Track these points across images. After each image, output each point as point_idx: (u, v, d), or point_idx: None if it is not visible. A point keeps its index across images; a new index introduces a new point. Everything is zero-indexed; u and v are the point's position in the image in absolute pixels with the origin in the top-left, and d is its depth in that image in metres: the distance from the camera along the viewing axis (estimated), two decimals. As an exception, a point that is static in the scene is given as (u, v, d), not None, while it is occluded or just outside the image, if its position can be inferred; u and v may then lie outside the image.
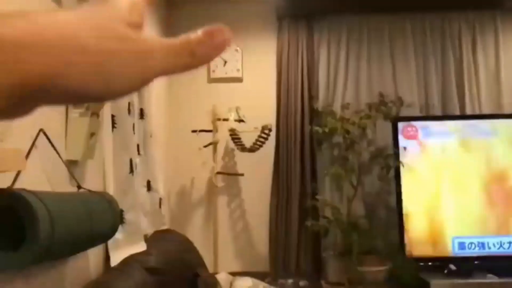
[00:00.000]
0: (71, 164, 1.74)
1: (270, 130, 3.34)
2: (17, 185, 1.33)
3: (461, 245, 3.21)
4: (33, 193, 1.26)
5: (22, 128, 1.42)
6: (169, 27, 3.66)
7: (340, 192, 3.52)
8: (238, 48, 3.68)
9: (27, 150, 1.42)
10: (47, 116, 1.60)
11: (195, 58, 0.31)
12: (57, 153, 1.59)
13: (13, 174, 1.33)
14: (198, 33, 0.32)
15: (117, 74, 0.28)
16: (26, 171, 1.38)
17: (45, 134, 1.52)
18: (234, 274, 2.89)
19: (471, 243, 3.21)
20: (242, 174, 3.55)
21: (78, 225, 1.45)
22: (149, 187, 2.66)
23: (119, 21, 0.29)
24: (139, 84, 0.29)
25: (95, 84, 0.27)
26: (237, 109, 3.38)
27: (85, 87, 0.27)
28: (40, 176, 1.54)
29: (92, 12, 0.28)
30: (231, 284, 2.71)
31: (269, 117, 3.53)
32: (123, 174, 2.22)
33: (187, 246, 2.75)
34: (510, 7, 3.62)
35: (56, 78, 0.26)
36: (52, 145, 1.56)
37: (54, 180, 1.61)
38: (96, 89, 0.27)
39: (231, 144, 3.51)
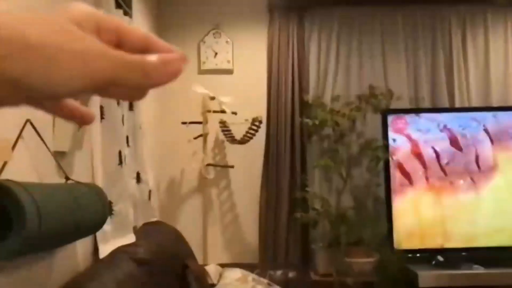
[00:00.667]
0: (58, 155, 1.73)
1: (260, 122, 3.34)
2: (3, 177, 1.32)
3: (449, 237, 3.25)
4: (20, 184, 1.25)
5: (8, 119, 1.41)
6: (159, 17, 3.64)
7: (330, 184, 3.54)
8: (228, 40, 3.66)
9: (13, 141, 1.41)
10: (37, 111, 1.59)
11: (147, 80, 0.31)
12: (45, 144, 1.58)
13: (-1, 165, 1.32)
14: (153, 57, 0.32)
15: (61, 69, 0.28)
16: (12, 162, 1.37)
17: (32, 124, 1.50)
18: (223, 265, 2.90)
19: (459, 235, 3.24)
20: (232, 166, 3.55)
21: (66, 216, 1.44)
22: (138, 179, 2.65)
23: (68, 19, 0.29)
24: (85, 83, 0.29)
25: (37, 76, 0.27)
26: (204, 101, 3.37)
27: (28, 79, 0.27)
28: (27, 168, 1.52)
29: (41, 13, 0.29)
30: (220, 275, 2.72)
31: (260, 109, 3.53)
32: (112, 165, 2.21)
33: (177, 238, 2.75)
34: (500, 1, 3.63)
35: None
36: (40, 136, 1.55)
37: (42, 171, 1.60)
38: (38, 82, 0.27)
39: (221, 136, 3.51)
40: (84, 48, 0.29)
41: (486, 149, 3.31)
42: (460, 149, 3.31)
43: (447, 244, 3.24)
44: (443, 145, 3.31)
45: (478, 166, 3.29)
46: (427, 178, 3.29)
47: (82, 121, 0.36)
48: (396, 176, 3.28)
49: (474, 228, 3.24)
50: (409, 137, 3.33)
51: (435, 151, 3.31)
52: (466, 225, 3.24)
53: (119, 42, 0.32)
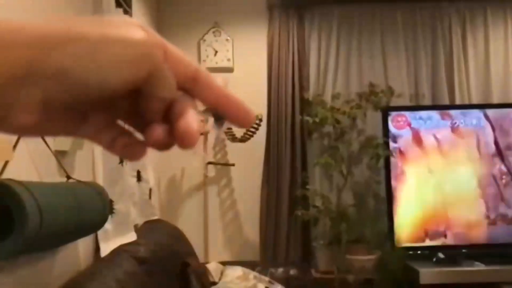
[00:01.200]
0: (59, 154, 1.73)
1: (260, 120, 3.34)
2: (5, 176, 1.32)
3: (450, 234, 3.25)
4: (21, 183, 1.25)
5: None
6: (159, 16, 3.64)
7: (330, 181, 3.54)
8: (228, 38, 3.66)
9: (14, 140, 1.41)
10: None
11: (169, 95, 0.32)
12: (46, 143, 1.59)
13: (0, 164, 1.32)
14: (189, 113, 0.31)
15: (108, 55, 0.28)
16: (14, 162, 1.37)
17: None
18: (224, 263, 2.90)
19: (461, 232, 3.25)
20: (232, 164, 3.55)
21: (67, 215, 1.45)
22: (139, 177, 2.65)
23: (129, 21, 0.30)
24: (132, 71, 0.29)
25: (85, 64, 0.27)
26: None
27: (76, 70, 0.27)
28: (29, 167, 1.53)
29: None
30: (221, 273, 2.73)
31: (260, 107, 3.53)
32: (112, 164, 2.22)
33: (177, 236, 2.76)
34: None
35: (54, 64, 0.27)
36: (40, 135, 1.55)
37: (43, 170, 1.60)
38: (87, 71, 0.27)
39: (222, 134, 3.51)
40: (127, 34, 0.29)
41: (488, 135, 3.31)
42: (460, 144, 3.31)
43: (448, 241, 3.24)
44: (444, 141, 3.32)
45: (480, 153, 3.30)
46: (428, 166, 3.29)
47: (131, 157, 0.34)
48: (397, 163, 3.29)
49: (476, 216, 3.25)
50: (409, 134, 3.33)
51: (435, 147, 3.32)
52: (467, 213, 3.25)
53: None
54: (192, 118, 0.31)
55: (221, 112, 0.33)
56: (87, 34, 0.27)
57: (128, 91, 0.30)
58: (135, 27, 0.29)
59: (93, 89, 0.28)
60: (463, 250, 3.20)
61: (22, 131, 0.29)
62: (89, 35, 0.27)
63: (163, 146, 0.32)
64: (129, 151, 0.33)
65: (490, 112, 3.34)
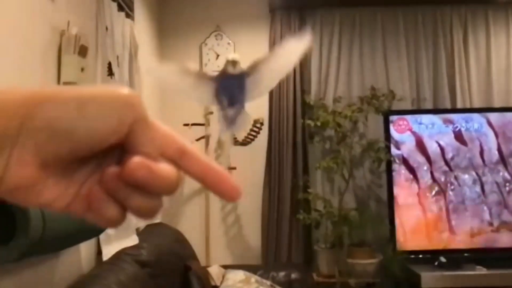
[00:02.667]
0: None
1: (262, 124, 3.35)
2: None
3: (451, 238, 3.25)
4: (24, 187, 1.25)
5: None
6: (161, 20, 3.65)
7: (332, 185, 3.54)
8: (230, 41, 3.67)
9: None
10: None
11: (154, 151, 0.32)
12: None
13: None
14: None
15: (94, 108, 0.29)
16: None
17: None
18: (226, 267, 2.90)
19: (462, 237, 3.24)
20: (234, 168, 3.55)
21: (70, 219, 1.45)
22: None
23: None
24: (115, 122, 0.30)
25: (72, 117, 0.29)
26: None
27: (69, 123, 0.29)
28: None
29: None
30: (223, 277, 2.72)
31: (262, 111, 3.53)
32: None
33: (179, 240, 2.76)
34: (502, 1, 3.64)
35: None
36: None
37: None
38: (72, 122, 0.29)
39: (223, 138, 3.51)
40: (112, 88, 0.30)
41: (491, 143, 3.31)
42: (464, 143, 3.31)
43: (450, 245, 3.24)
44: (445, 145, 3.32)
45: (483, 160, 3.30)
46: (431, 173, 3.29)
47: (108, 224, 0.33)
48: (401, 171, 3.29)
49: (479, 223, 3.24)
50: (410, 138, 3.34)
51: (438, 151, 3.32)
52: (471, 221, 3.25)
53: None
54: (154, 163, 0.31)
55: (207, 185, 0.33)
56: (74, 90, 0.30)
57: (114, 148, 0.30)
58: (121, 87, 0.31)
59: (81, 139, 0.29)
60: (465, 254, 3.20)
61: (21, 190, 0.29)
62: (76, 90, 0.30)
63: (144, 215, 0.32)
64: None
65: (493, 119, 3.33)
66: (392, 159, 3.28)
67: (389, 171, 3.30)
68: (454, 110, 3.51)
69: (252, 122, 3.34)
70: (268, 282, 2.72)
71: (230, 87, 0.82)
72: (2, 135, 0.27)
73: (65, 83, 1.83)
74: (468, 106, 3.57)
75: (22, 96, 0.28)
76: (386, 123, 3.35)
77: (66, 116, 0.28)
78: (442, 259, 3.17)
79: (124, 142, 0.31)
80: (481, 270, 3.07)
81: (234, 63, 0.81)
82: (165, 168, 0.31)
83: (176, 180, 0.32)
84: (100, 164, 0.31)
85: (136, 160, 0.30)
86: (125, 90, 0.30)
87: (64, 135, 0.28)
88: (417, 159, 3.31)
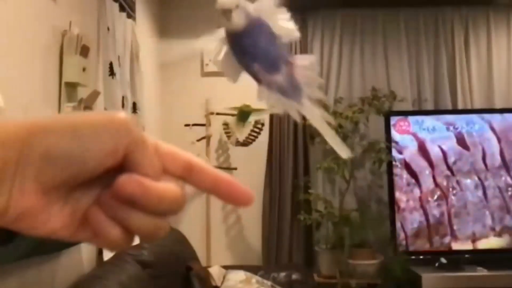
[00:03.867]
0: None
1: (262, 124, 3.35)
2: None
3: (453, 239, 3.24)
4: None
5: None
6: (163, 20, 3.65)
7: (333, 185, 3.54)
8: (231, 42, 3.66)
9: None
10: (40, 111, 1.60)
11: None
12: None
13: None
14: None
15: (88, 134, 0.30)
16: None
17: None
18: (226, 267, 2.90)
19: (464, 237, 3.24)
20: (235, 168, 3.55)
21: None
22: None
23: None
24: (110, 147, 0.30)
25: (67, 142, 0.29)
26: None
27: (65, 147, 0.29)
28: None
29: None
30: (223, 277, 2.72)
31: (262, 111, 3.53)
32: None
33: (180, 240, 2.76)
34: (503, 3, 3.63)
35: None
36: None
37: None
38: (67, 148, 0.29)
39: (224, 138, 3.51)
40: (108, 112, 0.31)
41: (493, 147, 3.30)
42: (467, 148, 3.31)
43: (451, 246, 3.24)
44: (446, 146, 3.31)
45: (485, 165, 3.29)
46: (434, 177, 3.29)
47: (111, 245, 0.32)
48: (403, 175, 3.28)
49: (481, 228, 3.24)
50: (412, 139, 3.33)
51: (439, 152, 3.31)
52: (473, 226, 3.24)
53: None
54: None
55: (220, 196, 0.33)
56: (69, 117, 0.31)
57: (117, 172, 0.30)
58: (116, 111, 0.31)
59: (78, 163, 0.29)
60: (466, 255, 3.20)
61: (26, 219, 0.30)
62: (71, 117, 0.31)
63: (147, 235, 0.32)
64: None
65: (496, 124, 3.32)
66: (393, 160, 3.28)
67: (390, 172, 3.30)
68: (455, 111, 3.51)
69: (253, 123, 3.34)
70: (269, 283, 2.72)
71: (250, 47, 0.56)
72: (2, 167, 0.28)
73: (67, 83, 1.83)
74: (469, 107, 3.57)
75: (18, 127, 0.29)
76: (387, 124, 3.35)
77: (62, 143, 0.29)
78: (443, 260, 3.17)
79: (124, 166, 0.31)
80: (482, 271, 3.06)
81: (225, 12, 0.54)
82: (162, 185, 0.31)
83: (176, 197, 0.32)
84: (105, 189, 0.31)
85: (124, 176, 0.30)
86: (119, 114, 0.31)
87: (61, 160, 0.29)
88: (419, 163, 3.30)
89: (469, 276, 3.04)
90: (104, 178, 0.31)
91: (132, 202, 0.30)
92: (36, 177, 0.29)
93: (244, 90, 3.63)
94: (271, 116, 3.55)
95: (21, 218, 0.29)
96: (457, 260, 3.17)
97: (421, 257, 3.23)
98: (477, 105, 3.59)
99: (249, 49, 0.57)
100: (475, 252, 3.21)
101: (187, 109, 3.57)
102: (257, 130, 3.34)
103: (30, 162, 0.28)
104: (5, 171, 0.28)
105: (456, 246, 3.24)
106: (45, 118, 0.30)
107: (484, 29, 3.68)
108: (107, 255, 2.00)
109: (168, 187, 0.31)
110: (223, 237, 3.62)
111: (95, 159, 0.30)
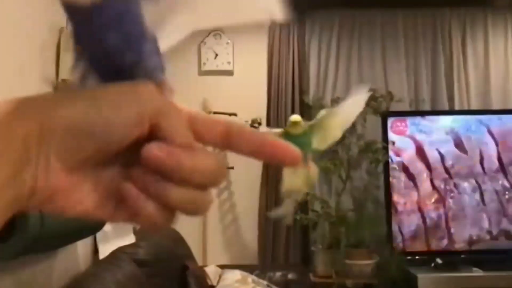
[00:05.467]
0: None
1: (259, 123, 3.35)
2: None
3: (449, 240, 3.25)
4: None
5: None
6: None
7: (329, 185, 3.54)
8: (229, 41, 3.67)
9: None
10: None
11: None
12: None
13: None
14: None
15: (110, 101, 0.28)
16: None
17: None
18: (223, 267, 2.90)
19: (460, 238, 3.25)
20: (231, 168, 3.55)
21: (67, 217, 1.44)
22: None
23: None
24: (135, 112, 0.28)
25: (90, 113, 0.28)
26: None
27: (86, 120, 0.28)
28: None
29: None
30: (219, 277, 2.72)
31: (260, 111, 3.53)
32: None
33: (176, 239, 2.75)
34: (500, 4, 3.64)
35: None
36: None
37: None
38: (91, 119, 0.28)
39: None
40: (131, 84, 0.30)
41: (491, 151, 3.31)
42: (465, 151, 3.31)
43: (446, 247, 3.24)
44: (443, 147, 3.32)
45: (483, 168, 3.30)
46: (431, 180, 3.29)
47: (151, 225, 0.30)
48: (401, 178, 3.29)
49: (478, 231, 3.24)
50: (408, 139, 3.34)
51: (435, 153, 3.32)
52: (470, 229, 3.25)
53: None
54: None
55: (265, 159, 0.32)
56: (88, 91, 0.30)
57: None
58: (140, 82, 0.30)
59: (101, 137, 0.28)
60: (462, 256, 3.20)
61: (56, 199, 0.28)
62: (90, 91, 0.30)
63: (189, 210, 0.30)
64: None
65: (493, 127, 3.33)
66: (389, 160, 3.28)
67: (386, 172, 3.30)
68: (452, 112, 3.51)
69: (250, 122, 3.34)
70: (265, 282, 2.72)
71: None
72: (26, 141, 0.26)
73: (64, 81, 1.82)
74: (466, 108, 3.58)
75: (34, 101, 0.28)
76: (384, 124, 3.35)
77: (81, 116, 0.27)
78: (439, 260, 3.17)
79: (153, 137, 0.29)
80: (477, 272, 3.07)
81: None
82: (193, 154, 0.29)
83: (211, 167, 0.30)
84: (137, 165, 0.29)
85: (150, 145, 0.28)
86: (142, 84, 0.29)
87: (85, 133, 0.27)
88: (417, 166, 3.30)
89: (465, 277, 3.05)
90: (136, 154, 0.29)
91: (164, 174, 0.28)
92: (61, 153, 0.27)
93: (245, 90, 3.64)
94: (269, 116, 3.55)
95: (52, 199, 0.28)
96: (453, 260, 3.17)
97: (417, 257, 3.24)
98: (474, 106, 3.59)
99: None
100: (471, 252, 3.22)
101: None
102: (254, 129, 3.33)
103: (53, 137, 0.27)
104: (29, 147, 0.26)
105: (453, 248, 3.25)
106: (62, 93, 0.29)
107: (481, 30, 3.69)
108: (103, 253, 2.00)
109: (200, 156, 0.29)
110: (220, 236, 3.61)
111: (119, 131, 0.28)
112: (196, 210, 0.30)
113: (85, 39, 0.33)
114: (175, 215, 0.30)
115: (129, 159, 0.29)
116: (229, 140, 0.31)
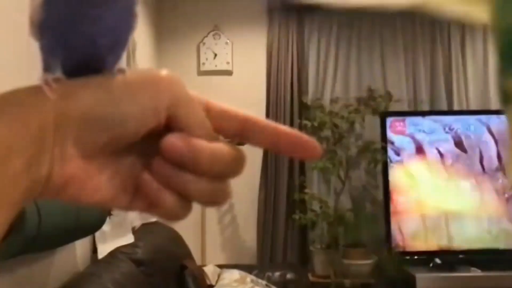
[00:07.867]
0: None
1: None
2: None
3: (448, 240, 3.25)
4: (20, 184, 1.25)
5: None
6: (159, 19, 3.64)
7: (328, 185, 3.54)
8: (228, 41, 3.67)
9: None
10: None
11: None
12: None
13: None
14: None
15: (122, 93, 0.28)
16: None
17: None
18: (221, 266, 2.90)
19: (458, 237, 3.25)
20: (230, 167, 3.55)
21: (65, 216, 1.45)
22: (137, 179, 2.65)
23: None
24: (150, 104, 0.28)
25: (104, 104, 0.28)
26: None
27: (102, 109, 0.28)
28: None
29: None
30: (218, 276, 2.72)
31: (259, 111, 3.53)
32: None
33: (175, 239, 2.75)
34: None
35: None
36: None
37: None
38: (106, 109, 0.28)
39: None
40: (147, 70, 0.30)
41: (491, 150, 3.31)
42: (464, 150, 3.31)
43: (445, 247, 3.24)
44: (442, 147, 3.32)
45: (483, 167, 3.30)
46: (431, 179, 3.29)
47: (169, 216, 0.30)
48: (400, 177, 3.29)
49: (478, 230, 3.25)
50: (407, 139, 3.34)
51: (434, 153, 3.32)
52: (469, 227, 3.25)
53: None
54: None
55: (284, 151, 0.31)
56: (103, 79, 0.29)
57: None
58: (156, 69, 0.29)
59: (116, 125, 0.28)
60: (460, 256, 3.21)
61: (72, 187, 0.28)
62: (106, 79, 0.29)
63: (209, 201, 0.30)
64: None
65: (494, 126, 3.33)
66: (388, 160, 3.29)
67: (385, 172, 3.30)
68: (451, 112, 3.52)
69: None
70: (264, 282, 2.72)
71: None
72: (42, 129, 0.26)
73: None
74: (464, 108, 3.58)
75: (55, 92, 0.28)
76: (383, 124, 3.35)
77: (97, 104, 0.27)
78: (437, 260, 3.18)
79: (171, 127, 0.29)
80: (476, 272, 3.07)
81: None
82: (212, 144, 0.29)
83: (230, 157, 0.29)
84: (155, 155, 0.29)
85: (169, 135, 0.28)
86: (158, 71, 0.29)
87: (100, 123, 0.27)
88: (417, 165, 3.30)
89: (463, 277, 3.05)
90: (153, 144, 0.28)
91: (183, 164, 0.28)
92: (77, 141, 0.27)
93: (244, 90, 3.64)
94: (267, 116, 3.55)
95: (68, 186, 0.27)
96: (452, 260, 3.17)
97: (416, 257, 3.24)
98: (473, 106, 3.60)
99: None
100: (469, 252, 3.22)
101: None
102: (253, 129, 3.33)
103: (69, 124, 0.27)
104: (45, 134, 0.26)
105: (451, 248, 3.25)
106: (77, 81, 0.28)
107: (480, 29, 3.69)
108: (101, 253, 2.00)
109: (219, 146, 0.29)
110: (218, 236, 3.61)
111: (134, 120, 0.28)
112: (216, 201, 0.30)
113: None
114: (191, 206, 0.30)
115: (147, 148, 0.29)
116: (247, 132, 0.31)
